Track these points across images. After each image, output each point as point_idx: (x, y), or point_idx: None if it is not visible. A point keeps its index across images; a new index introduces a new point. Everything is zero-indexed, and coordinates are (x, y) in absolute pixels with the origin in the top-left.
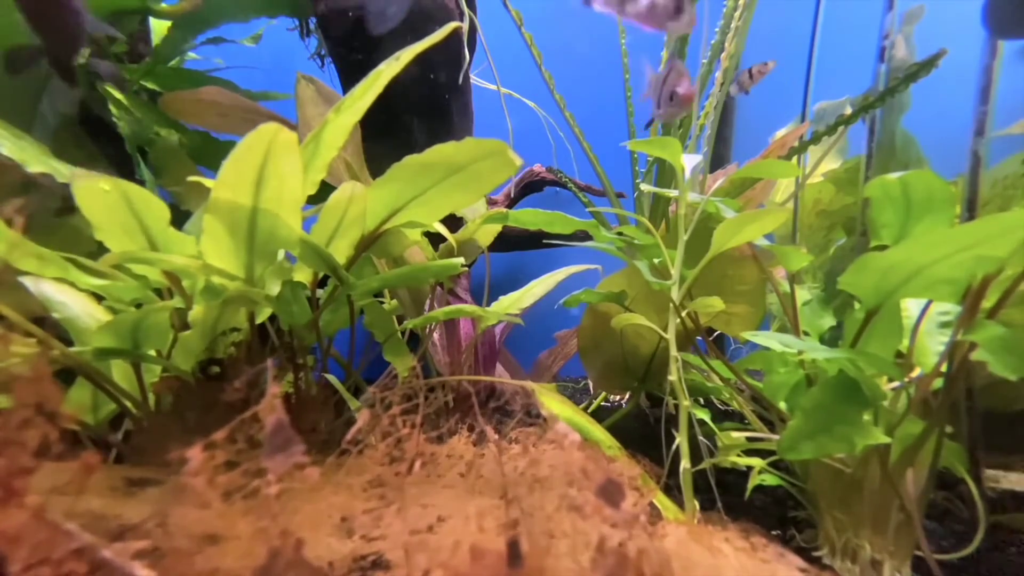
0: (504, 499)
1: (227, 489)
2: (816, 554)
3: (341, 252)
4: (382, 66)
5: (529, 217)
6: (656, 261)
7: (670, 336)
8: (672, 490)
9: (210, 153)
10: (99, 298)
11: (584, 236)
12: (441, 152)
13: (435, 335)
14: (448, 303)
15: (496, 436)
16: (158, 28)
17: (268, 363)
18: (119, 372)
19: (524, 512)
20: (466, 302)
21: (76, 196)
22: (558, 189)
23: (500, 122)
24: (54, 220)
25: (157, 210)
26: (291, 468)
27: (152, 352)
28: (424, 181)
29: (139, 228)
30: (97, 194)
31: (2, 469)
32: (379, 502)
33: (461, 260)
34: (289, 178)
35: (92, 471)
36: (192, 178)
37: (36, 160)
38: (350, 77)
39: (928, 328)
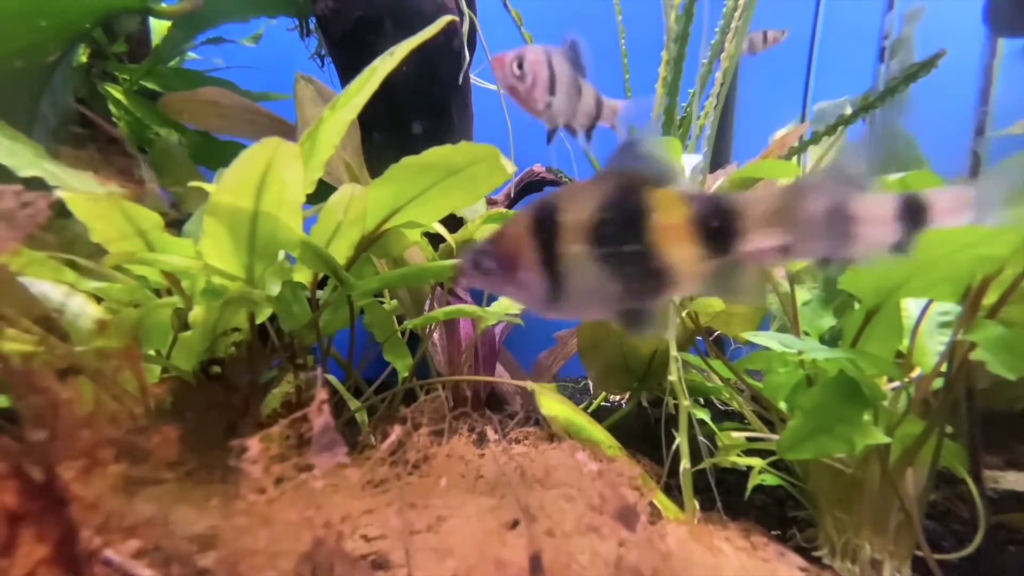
0: (503, 498)
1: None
2: (816, 554)
3: (341, 253)
4: (377, 62)
5: None
6: None
7: (670, 336)
8: (672, 490)
9: (210, 153)
10: (98, 299)
11: None
12: (439, 154)
13: (435, 335)
14: (448, 303)
15: (496, 436)
16: (158, 28)
17: (318, 371)
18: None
19: (529, 509)
20: (466, 302)
21: (69, 206)
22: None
23: (500, 122)
24: (54, 221)
25: (151, 217)
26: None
27: (152, 352)
28: (423, 182)
29: (135, 232)
30: (89, 203)
31: (89, 440)
32: (378, 501)
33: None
34: (290, 184)
35: (171, 445)
36: (194, 183)
37: (27, 164)
38: (350, 77)
39: (928, 328)
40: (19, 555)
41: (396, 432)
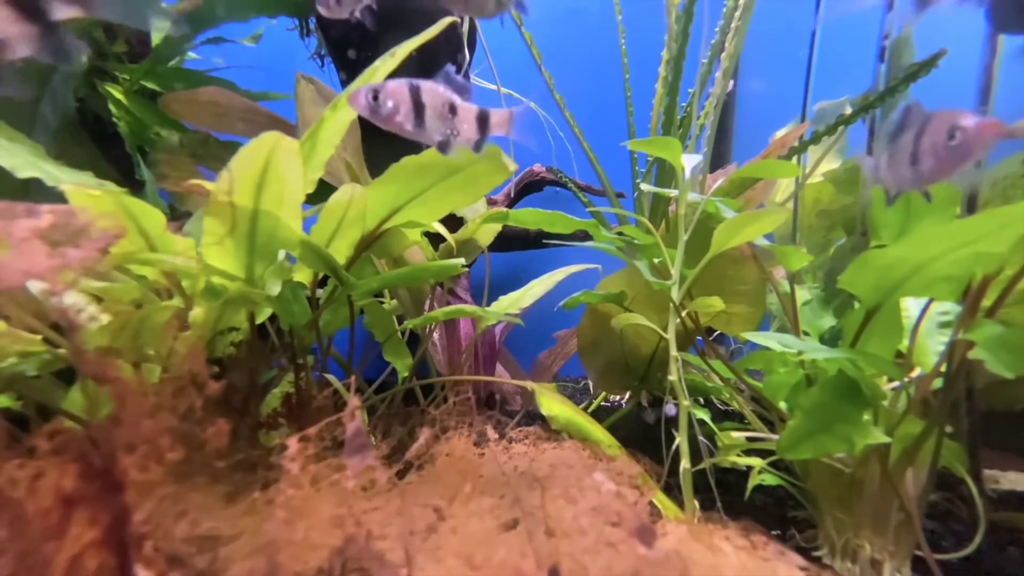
0: (515, 503)
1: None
2: (816, 554)
3: (341, 252)
4: (378, 63)
5: (529, 217)
6: (656, 261)
7: (670, 336)
8: (672, 490)
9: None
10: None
11: (584, 236)
12: (439, 153)
13: (435, 335)
14: (448, 303)
15: (496, 436)
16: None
17: (352, 379)
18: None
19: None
20: (466, 302)
21: (69, 200)
22: (558, 189)
23: None
24: None
25: (153, 216)
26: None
27: (152, 352)
28: (423, 181)
29: (137, 231)
30: (90, 199)
31: (151, 429)
32: (403, 503)
33: (461, 260)
34: (290, 182)
35: (224, 436)
36: (194, 181)
37: (25, 164)
38: (350, 76)
39: (928, 328)
40: (69, 537)
41: (425, 434)
